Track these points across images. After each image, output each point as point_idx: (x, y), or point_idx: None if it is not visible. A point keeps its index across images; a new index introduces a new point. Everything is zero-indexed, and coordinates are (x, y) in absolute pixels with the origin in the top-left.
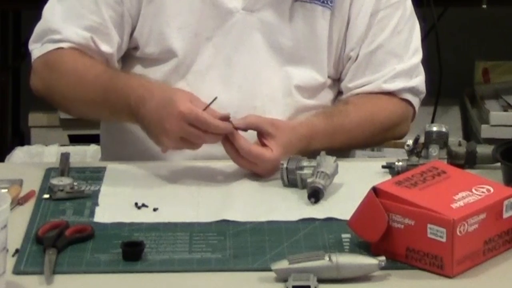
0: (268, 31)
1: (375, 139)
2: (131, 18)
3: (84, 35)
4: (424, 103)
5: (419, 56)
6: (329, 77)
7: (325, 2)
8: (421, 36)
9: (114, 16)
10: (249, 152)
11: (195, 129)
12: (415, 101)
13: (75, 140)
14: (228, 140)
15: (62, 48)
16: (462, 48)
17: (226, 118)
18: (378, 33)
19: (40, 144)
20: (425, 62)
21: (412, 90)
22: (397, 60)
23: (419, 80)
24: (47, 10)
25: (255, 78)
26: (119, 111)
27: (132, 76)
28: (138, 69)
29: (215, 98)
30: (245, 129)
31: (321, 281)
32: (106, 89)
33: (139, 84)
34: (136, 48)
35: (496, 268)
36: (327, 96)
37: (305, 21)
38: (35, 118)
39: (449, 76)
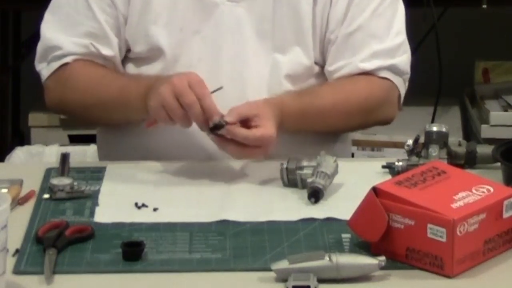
0: (255, 20)
1: (355, 121)
2: (125, 20)
3: (83, 42)
4: (424, 103)
5: (401, 37)
6: (316, 63)
7: None
8: (421, 36)
9: (110, 19)
10: (255, 136)
11: (177, 103)
12: (398, 81)
13: (75, 140)
14: (226, 139)
15: (68, 63)
16: (462, 48)
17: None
18: (356, 14)
19: (40, 144)
20: (425, 62)
21: (392, 69)
22: (377, 41)
23: (400, 59)
24: (43, 26)
25: (245, 68)
26: (132, 103)
27: (145, 75)
28: (130, 69)
29: (221, 87)
30: (235, 122)
31: (321, 281)
32: (122, 86)
33: (150, 76)
34: (129, 49)
35: (496, 268)
36: (316, 83)
37: (289, 6)
38: (35, 118)
39: (449, 76)
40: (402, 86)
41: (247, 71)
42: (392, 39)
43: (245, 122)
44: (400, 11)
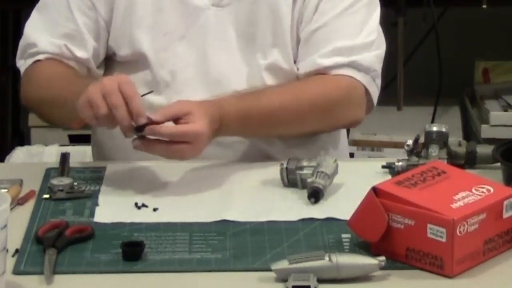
0: (239, 24)
1: (308, 122)
2: (106, 23)
3: (58, 43)
4: (424, 103)
5: (372, 36)
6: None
7: None
8: (421, 36)
9: (88, 22)
10: (179, 131)
11: (103, 102)
12: (363, 78)
13: (75, 140)
14: (151, 141)
15: (39, 60)
16: (462, 48)
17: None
18: (326, 11)
19: (40, 144)
20: (425, 62)
21: (353, 65)
22: (342, 38)
23: (365, 56)
24: (27, 23)
25: (229, 72)
26: (74, 103)
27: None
28: (117, 73)
29: (151, 91)
30: (163, 121)
31: (321, 281)
32: (75, 87)
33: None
34: (111, 51)
35: (496, 268)
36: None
37: (269, 8)
38: (35, 118)
39: (449, 76)
40: (370, 83)
41: (233, 74)
42: (362, 38)
43: (176, 122)
44: (377, 12)
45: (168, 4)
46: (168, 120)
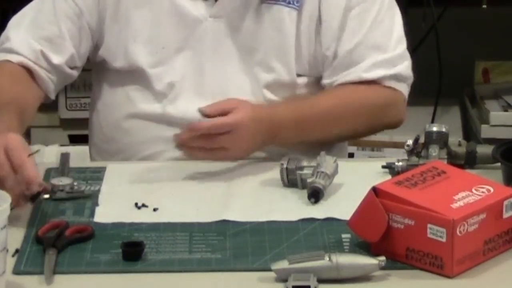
0: (238, 36)
1: (360, 125)
2: (91, 31)
3: (35, 47)
4: (424, 103)
5: (403, 45)
6: (300, 75)
7: (291, 2)
8: (421, 36)
9: (72, 28)
10: (218, 123)
11: None
12: (402, 87)
13: (75, 140)
14: (192, 139)
15: (9, 61)
16: (462, 48)
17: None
18: (356, 29)
19: (40, 144)
20: (425, 62)
21: (396, 77)
22: (379, 52)
23: (403, 66)
24: (13, 18)
25: (227, 84)
26: None
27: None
28: (112, 80)
29: (38, 151)
30: (210, 117)
31: (321, 281)
32: None
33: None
34: (103, 61)
35: (496, 268)
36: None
37: (272, 23)
38: (35, 118)
39: (449, 76)
40: (406, 90)
41: (230, 87)
42: (393, 48)
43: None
44: (398, 15)
45: (166, 16)
46: (216, 115)
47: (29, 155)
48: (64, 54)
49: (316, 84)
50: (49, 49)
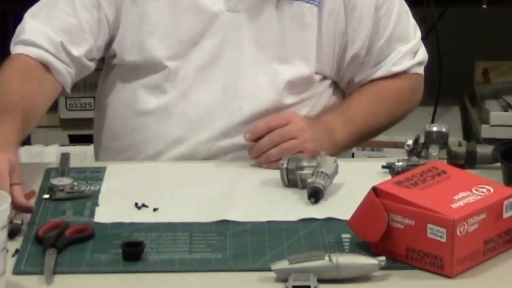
0: (255, 30)
1: (395, 115)
2: (108, 24)
3: (55, 39)
4: (424, 103)
5: (418, 30)
6: (317, 73)
7: None
8: (421, 36)
9: (91, 20)
10: (276, 115)
11: None
12: (422, 70)
13: (75, 140)
14: (263, 145)
15: (24, 54)
16: (462, 48)
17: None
18: (385, 25)
19: (40, 144)
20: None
21: (419, 63)
22: (404, 43)
23: (422, 50)
24: (29, 11)
25: (240, 79)
26: None
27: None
28: (121, 77)
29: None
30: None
31: (321, 281)
32: None
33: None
34: (114, 56)
35: (496, 268)
36: (316, 93)
37: (292, 18)
38: None
39: (449, 76)
40: (423, 71)
41: (243, 81)
42: (414, 36)
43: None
44: (405, 3)
45: (183, 10)
46: (272, 129)
47: (12, 184)
48: (83, 46)
49: (327, 84)
50: (68, 41)
